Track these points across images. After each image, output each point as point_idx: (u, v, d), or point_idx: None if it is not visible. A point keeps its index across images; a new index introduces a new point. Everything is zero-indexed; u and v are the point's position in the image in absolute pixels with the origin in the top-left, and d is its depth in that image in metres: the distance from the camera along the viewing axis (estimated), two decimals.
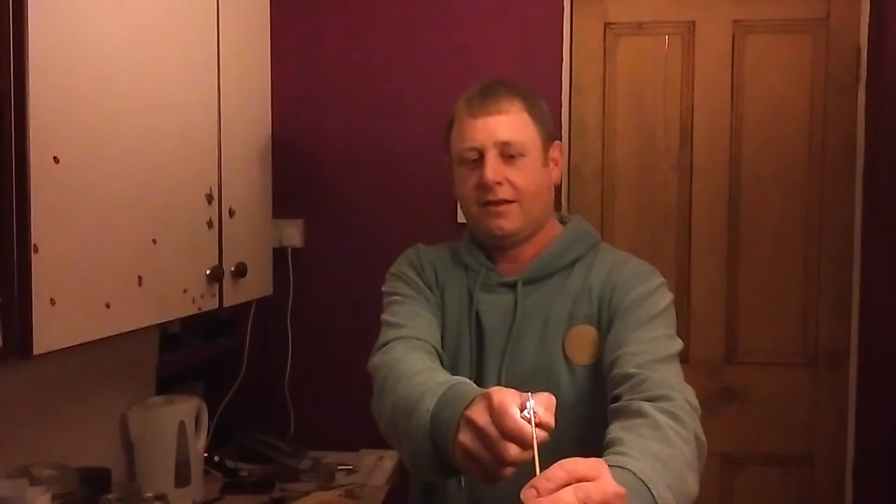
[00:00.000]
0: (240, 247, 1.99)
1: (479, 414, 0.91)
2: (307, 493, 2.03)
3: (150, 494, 1.78)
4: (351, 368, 2.43)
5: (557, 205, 2.21)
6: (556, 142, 1.41)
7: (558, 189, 1.41)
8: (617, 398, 1.15)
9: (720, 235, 2.46)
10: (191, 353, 2.28)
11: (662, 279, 1.35)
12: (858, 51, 2.39)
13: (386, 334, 1.32)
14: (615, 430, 1.04)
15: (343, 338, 2.51)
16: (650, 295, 1.30)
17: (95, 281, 1.39)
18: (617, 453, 0.96)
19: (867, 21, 2.37)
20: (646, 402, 1.08)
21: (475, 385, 1.06)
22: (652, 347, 1.21)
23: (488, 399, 0.90)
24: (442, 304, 1.40)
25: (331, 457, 2.33)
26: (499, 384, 1.03)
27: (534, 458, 0.82)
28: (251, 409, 2.49)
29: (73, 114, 1.33)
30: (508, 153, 1.32)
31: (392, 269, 1.46)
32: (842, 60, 2.40)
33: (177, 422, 1.96)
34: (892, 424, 2.34)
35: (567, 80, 2.47)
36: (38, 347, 1.24)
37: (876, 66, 2.35)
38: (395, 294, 1.40)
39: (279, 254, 2.44)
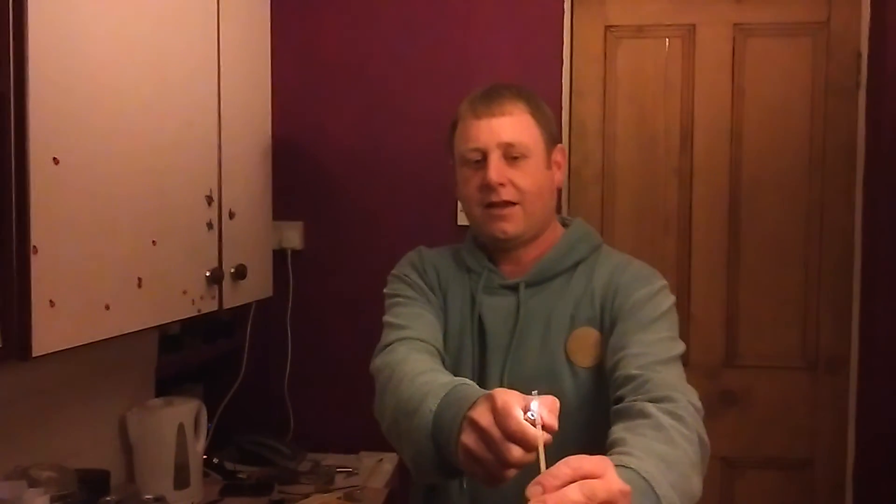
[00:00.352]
0: (240, 248, 1.99)
1: (482, 415, 0.91)
2: (306, 496, 2.03)
3: (149, 496, 1.78)
4: (350, 371, 2.44)
5: (557, 208, 2.21)
6: (559, 145, 1.42)
7: (559, 192, 1.42)
8: (620, 399, 1.15)
9: (720, 238, 2.46)
10: (190, 354, 2.27)
11: (665, 282, 1.35)
12: (859, 55, 2.39)
13: (388, 335, 1.32)
14: (618, 431, 1.04)
15: (343, 340, 2.50)
16: (652, 297, 1.30)
17: (95, 282, 1.39)
18: (621, 453, 0.96)
19: (868, 25, 2.38)
20: (649, 403, 1.08)
21: (478, 386, 1.06)
22: (654, 349, 1.21)
23: (492, 400, 0.90)
24: (444, 307, 1.40)
25: (330, 459, 2.33)
26: (501, 386, 1.03)
27: (538, 459, 0.82)
28: (250, 411, 2.49)
29: (73, 115, 1.33)
30: (512, 154, 1.32)
31: (394, 271, 1.46)
32: (842, 64, 2.40)
33: (176, 423, 1.95)
34: (892, 428, 2.33)
35: (567, 82, 2.47)
36: (38, 349, 1.24)
37: (876, 69, 2.35)
38: (398, 296, 1.40)
39: (279, 256, 2.44)
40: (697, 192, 2.46)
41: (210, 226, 1.84)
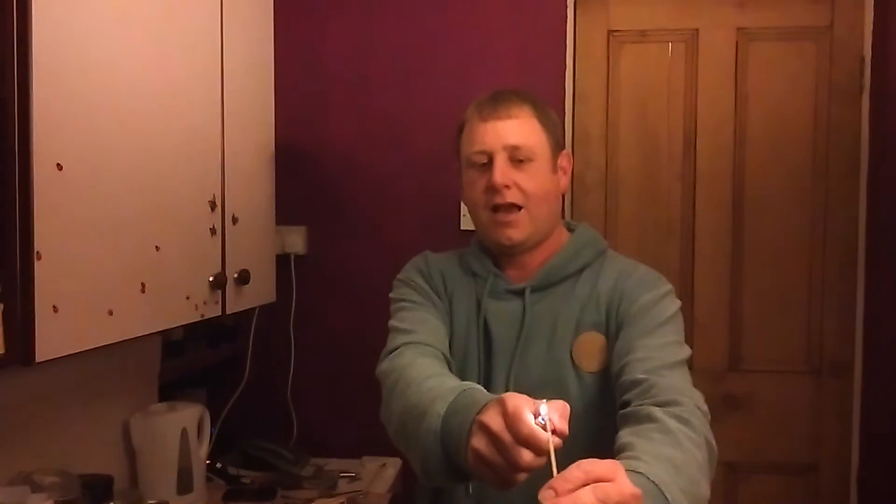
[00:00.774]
0: (243, 254, 1.99)
1: (493, 419, 0.90)
2: (310, 501, 2.03)
3: (152, 502, 1.78)
4: (354, 375, 2.45)
5: (561, 213, 2.21)
6: (565, 151, 1.42)
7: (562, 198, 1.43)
8: (626, 404, 1.15)
9: (724, 243, 2.46)
10: (193, 359, 2.27)
11: (670, 286, 1.35)
12: (862, 59, 2.39)
13: (394, 340, 1.32)
14: (626, 436, 1.04)
15: (346, 345, 2.50)
16: (658, 302, 1.30)
17: (98, 288, 1.39)
18: (629, 458, 0.96)
19: (871, 29, 2.37)
20: (656, 408, 1.08)
21: (486, 391, 1.06)
22: (660, 354, 1.21)
23: (502, 404, 0.89)
24: (450, 311, 1.40)
25: (333, 464, 2.32)
26: (507, 391, 1.03)
27: (550, 464, 0.81)
28: (254, 416, 2.49)
29: (77, 121, 1.33)
30: (517, 157, 1.32)
31: (400, 276, 1.46)
32: (845, 68, 2.40)
33: (179, 428, 1.95)
34: None
35: (570, 87, 2.47)
36: (41, 354, 1.23)
37: (880, 74, 2.35)
38: (404, 300, 1.40)
39: (282, 261, 2.44)
40: (701, 197, 2.46)
41: (213, 231, 1.83)
